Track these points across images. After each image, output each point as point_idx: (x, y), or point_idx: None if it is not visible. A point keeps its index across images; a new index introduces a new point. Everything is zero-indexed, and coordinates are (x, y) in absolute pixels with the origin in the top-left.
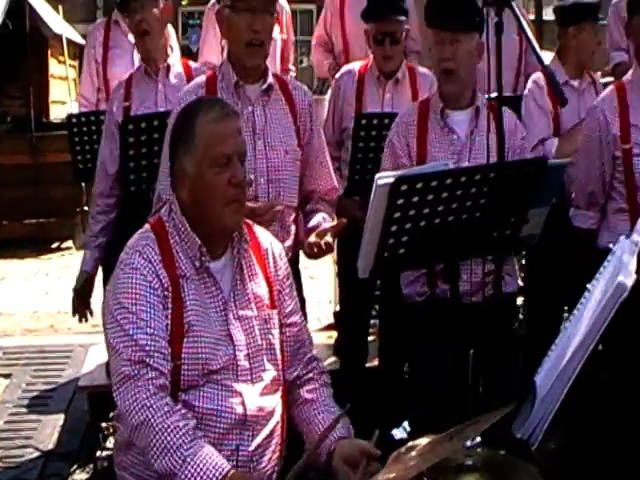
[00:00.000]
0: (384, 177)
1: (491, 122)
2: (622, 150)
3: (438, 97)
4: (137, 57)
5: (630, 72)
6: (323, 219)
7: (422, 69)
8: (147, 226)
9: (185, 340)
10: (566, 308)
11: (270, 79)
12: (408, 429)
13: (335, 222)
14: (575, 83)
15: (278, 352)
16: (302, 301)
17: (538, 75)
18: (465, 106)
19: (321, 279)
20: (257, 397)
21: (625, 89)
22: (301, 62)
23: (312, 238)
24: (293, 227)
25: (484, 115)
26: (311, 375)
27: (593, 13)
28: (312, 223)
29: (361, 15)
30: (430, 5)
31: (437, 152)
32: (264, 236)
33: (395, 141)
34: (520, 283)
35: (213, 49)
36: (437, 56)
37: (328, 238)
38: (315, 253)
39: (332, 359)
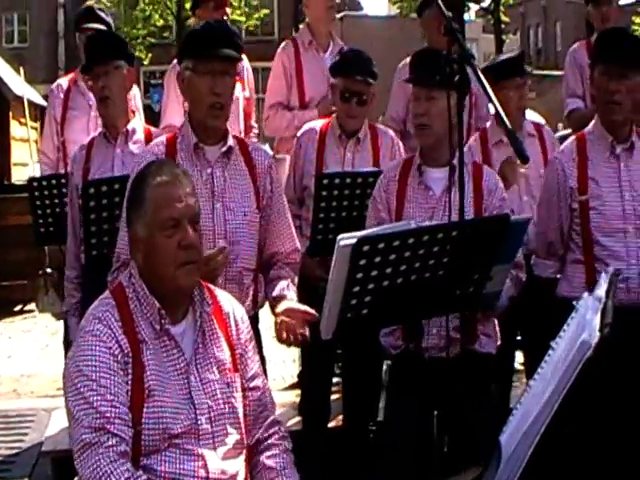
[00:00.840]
0: (346, 238)
1: (470, 181)
2: (579, 202)
3: (418, 154)
4: (96, 119)
5: (591, 124)
6: (287, 287)
7: (383, 127)
8: (107, 292)
9: (146, 405)
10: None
11: (230, 141)
12: None
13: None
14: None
15: (240, 416)
16: (262, 360)
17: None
18: (443, 164)
19: None
20: (219, 461)
21: (585, 140)
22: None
23: (282, 317)
24: (252, 288)
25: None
26: (272, 440)
27: (511, 70)
28: (276, 292)
29: (330, 68)
30: (410, 62)
31: (413, 208)
32: (225, 299)
33: (377, 196)
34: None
35: (175, 109)
36: (413, 111)
37: (302, 330)
38: (285, 339)
39: (297, 419)
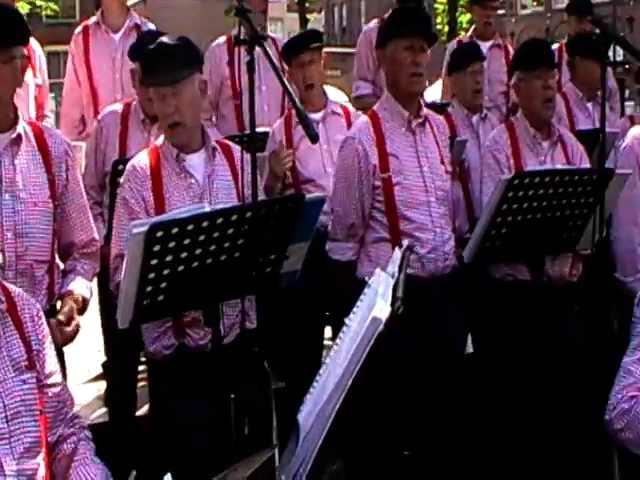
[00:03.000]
0: (138, 225)
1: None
2: (382, 179)
3: (170, 143)
4: None
5: (381, 101)
6: (76, 281)
7: None
8: None
9: None
10: None
11: (20, 128)
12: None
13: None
14: None
15: (38, 413)
16: (61, 354)
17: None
18: (198, 148)
19: (89, 328)
20: (16, 461)
21: (378, 118)
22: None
23: (60, 315)
24: (45, 281)
25: (219, 154)
26: (72, 430)
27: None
28: (64, 287)
29: (129, 53)
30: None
31: (176, 199)
32: (19, 296)
33: (129, 197)
34: None
35: None
36: (160, 112)
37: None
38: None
39: (103, 410)
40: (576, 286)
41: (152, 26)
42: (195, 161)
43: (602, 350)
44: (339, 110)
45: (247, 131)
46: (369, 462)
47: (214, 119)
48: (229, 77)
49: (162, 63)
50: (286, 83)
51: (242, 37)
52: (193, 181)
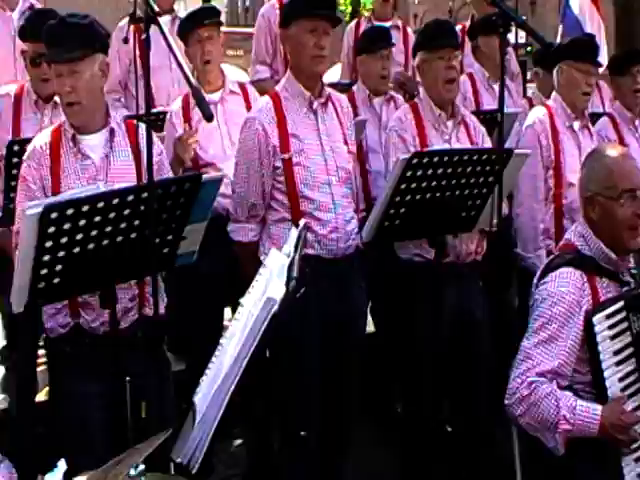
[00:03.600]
0: (33, 207)
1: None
2: (282, 160)
3: (69, 124)
4: None
5: (283, 82)
6: None
7: None
8: None
9: None
10: None
11: None
12: (64, 469)
13: None
14: None
15: None
16: None
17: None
18: (98, 129)
19: None
20: None
21: (280, 98)
22: None
23: None
24: None
25: (121, 135)
26: None
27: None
28: None
29: (19, 33)
30: None
31: (72, 180)
32: None
33: (27, 175)
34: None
35: None
36: (58, 90)
37: None
38: None
39: (2, 396)
40: (480, 264)
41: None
42: (94, 142)
43: (504, 328)
44: (237, 89)
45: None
46: (269, 442)
47: (123, 99)
48: (139, 56)
49: (61, 40)
50: (181, 60)
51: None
52: (89, 162)
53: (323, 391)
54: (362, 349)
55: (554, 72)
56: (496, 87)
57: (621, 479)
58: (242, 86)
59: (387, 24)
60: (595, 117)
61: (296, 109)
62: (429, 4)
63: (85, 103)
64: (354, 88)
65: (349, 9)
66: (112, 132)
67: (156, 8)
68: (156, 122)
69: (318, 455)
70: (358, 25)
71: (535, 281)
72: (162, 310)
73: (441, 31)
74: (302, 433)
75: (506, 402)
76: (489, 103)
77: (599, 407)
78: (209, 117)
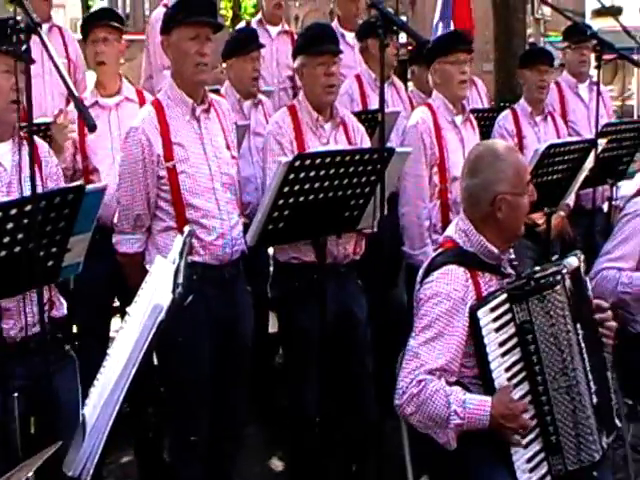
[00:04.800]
0: None
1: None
2: (166, 169)
3: None
4: None
5: (165, 90)
6: None
7: None
8: None
9: None
10: None
11: None
12: None
13: None
14: None
15: None
16: None
17: None
18: (7, 137)
19: None
20: None
21: (162, 106)
22: None
23: None
24: None
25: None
26: None
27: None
28: None
29: None
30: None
31: None
32: None
33: None
34: None
35: None
36: None
37: None
38: None
39: None
40: (360, 263)
41: None
42: (4, 149)
43: (390, 326)
44: (134, 96)
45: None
46: (159, 450)
47: None
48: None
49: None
50: (62, 70)
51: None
52: (2, 169)
53: (213, 395)
54: (250, 353)
55: (429, 74)
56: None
57: (511, 465)
58: (139, 93)
59: (277, 28)
60: (475, 113)
61: (179, 117)
62: (310, 6)
63: None
64: (222, 92)
65: (230, 14)
66: (20, 141)
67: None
68: (38, 132)
69: (209, 459)
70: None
71: (418, 279)
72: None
73: (322, 36)
74: (192, 438)
75: (396, 402)
76: (376, 103)
77: (488, 399)
78: (92, 127)
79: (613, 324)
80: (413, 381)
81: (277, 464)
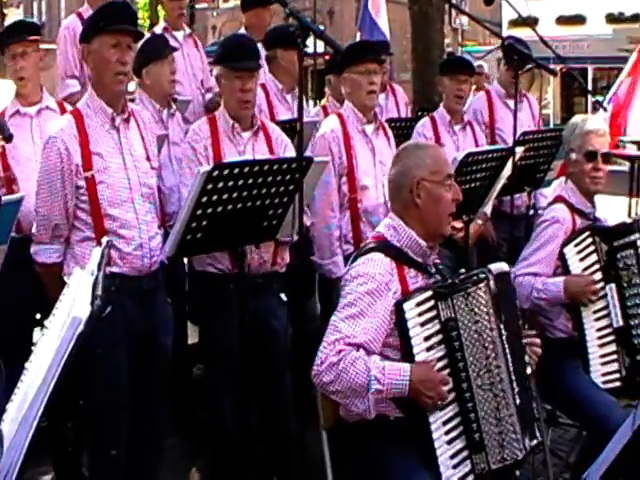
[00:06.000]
0: None
1: None
2: (85, 179)
3: None
4: None
5: (85, 99)
6: None
7: None
8: None
9: None
10: None
11: None
12: None
13: None
14: None
15: None
16: None
17: None
18: None
19: None
20: None
21: (82, 115)
22: None
23: None
24: None
25: None
26: None
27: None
28: None
29: None
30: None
31: None
32: None
33: None
34: None
35: None
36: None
37: None
38: None
39: None
40: (282, 274)
41: None
42: None
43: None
44: (55, 106)
45: None
46: (78, 465)
47: None
48: None
49: None
50: None
51: None
52: None
53: (132, 407)
54: (169, 364)
55: (341, 84)
56: (289, 97)
57: (431, 450)
58: (60, 104)
59: (181, 33)
60: (393, 122)
61: (98, 126)
62: (227, 16)
63: None
64: (137, 103)
65: (147, 23)
66: None
67: None
68: None
69: (129, 471)
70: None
71: (349, 262)
72: None
73: (244, 52)
74: (112, 452)
75: (314, 371)
76: (283, 114)
77: (408, 365)
78: (8, 138)
79: (538, 350)
80: (333, 351)
81: (197, 476)
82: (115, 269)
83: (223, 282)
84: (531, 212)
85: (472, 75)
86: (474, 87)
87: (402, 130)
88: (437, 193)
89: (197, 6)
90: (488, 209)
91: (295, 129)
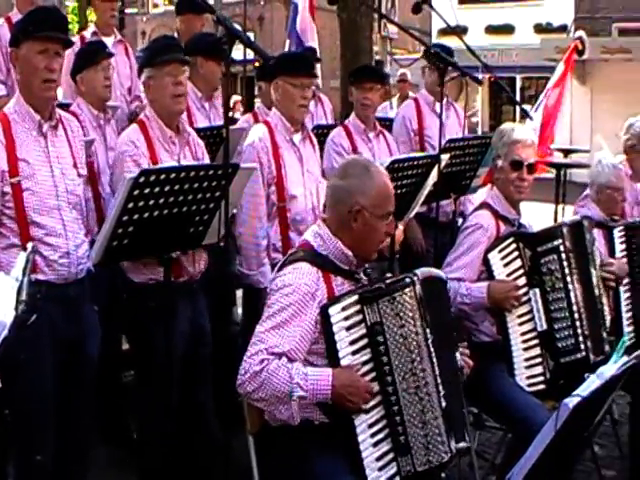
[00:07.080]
0: None
1: None
2: (11, 185)
3: None
4: None
5: (12, 103)
6: None
7: None
8: None
9: None
10: None
11: None
12: None
13: None
14: None
15: None
16: None
17: None
18: None
19: None
20: None
21: (9, 121)
22: None
23: None
24: None
25: None
26: None
27: None
28: None
29: None
30: None
31: None
32: None
33: None
34: None
35: None
36: None
37: None
38: None
39: None
40: (206, 280)
41: None
42: None
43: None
44: None
45: None
46: (4, 476)
47: None
48: None
49: None
50: None
51: None
52: None
53: (58, 414)
54: (96, 371)
55: (271, 88)
56: (207, 105)
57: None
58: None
59: (111, 39)
60: (319, 129)
61: (25, 132)
62: (157, 22)
63: None
64: (76, 108)
65: (76, 28)
66: None
67: None
68: None
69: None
70: (83, 40)
71: (272, 276)
72: None
73: (169, 46)
74: (38, 457)
75: (239, 381)
76: (201, 122)
77: (331, 370)
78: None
79: (470, 362)
80: (256, 360)
81: None
82: (41, 277)
83: (159, 292)
84: (460, 219)
85: (381, 83)
86: (397, 95)
87: (325, 137)
88: (373, 225)
89: (127, 11)
90: (411, 215)
91: (221, 135)
